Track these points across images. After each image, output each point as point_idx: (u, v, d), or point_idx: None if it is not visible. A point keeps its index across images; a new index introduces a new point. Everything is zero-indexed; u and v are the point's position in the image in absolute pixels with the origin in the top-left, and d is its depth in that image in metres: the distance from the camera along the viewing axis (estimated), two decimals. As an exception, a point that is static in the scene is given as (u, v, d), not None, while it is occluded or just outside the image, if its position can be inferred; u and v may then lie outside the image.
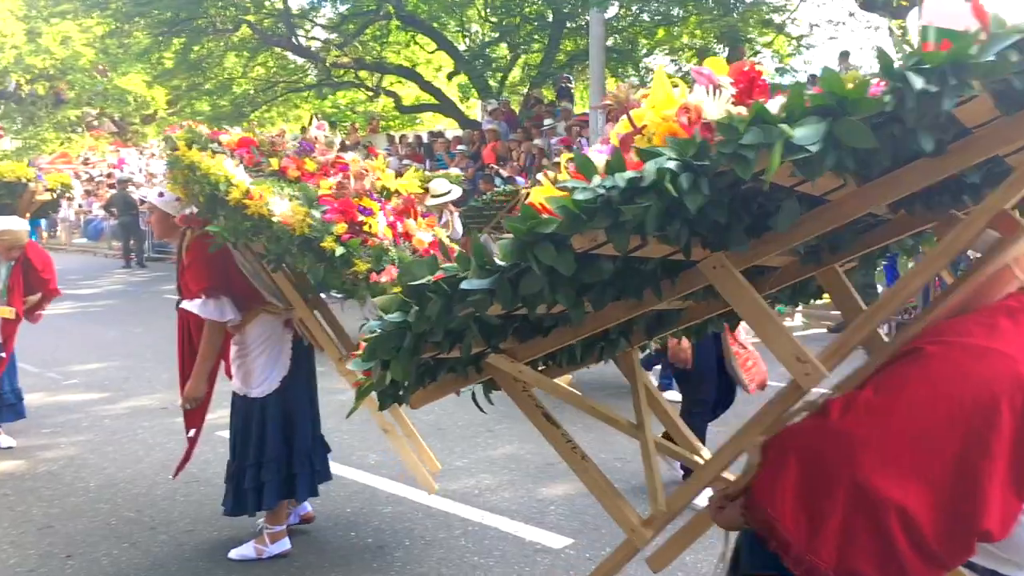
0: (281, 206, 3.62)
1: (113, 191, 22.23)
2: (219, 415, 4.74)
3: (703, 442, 4.39)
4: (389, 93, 25.00)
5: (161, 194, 4.29)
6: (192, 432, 4.30)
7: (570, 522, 4.60)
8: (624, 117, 1.82)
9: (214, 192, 3.79)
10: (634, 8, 17.63)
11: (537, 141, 16.44)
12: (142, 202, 17.22)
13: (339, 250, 3.46)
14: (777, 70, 15.27)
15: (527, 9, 21.51)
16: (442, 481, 5.20)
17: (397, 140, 20.40)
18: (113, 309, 12.49)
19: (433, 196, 8.18)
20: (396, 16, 20.70)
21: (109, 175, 25.94)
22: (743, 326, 4.64)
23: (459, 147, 18.05)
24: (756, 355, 4.95)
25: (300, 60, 23.60)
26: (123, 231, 20.58)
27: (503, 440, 6.10)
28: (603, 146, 1.88)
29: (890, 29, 13.72)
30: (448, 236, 8.83)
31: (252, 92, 23.87)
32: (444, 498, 4.92)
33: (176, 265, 4.20)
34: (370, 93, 24.95)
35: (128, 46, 22.50)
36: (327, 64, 21.74)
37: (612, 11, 18.20)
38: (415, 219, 4.02)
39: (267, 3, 21.95)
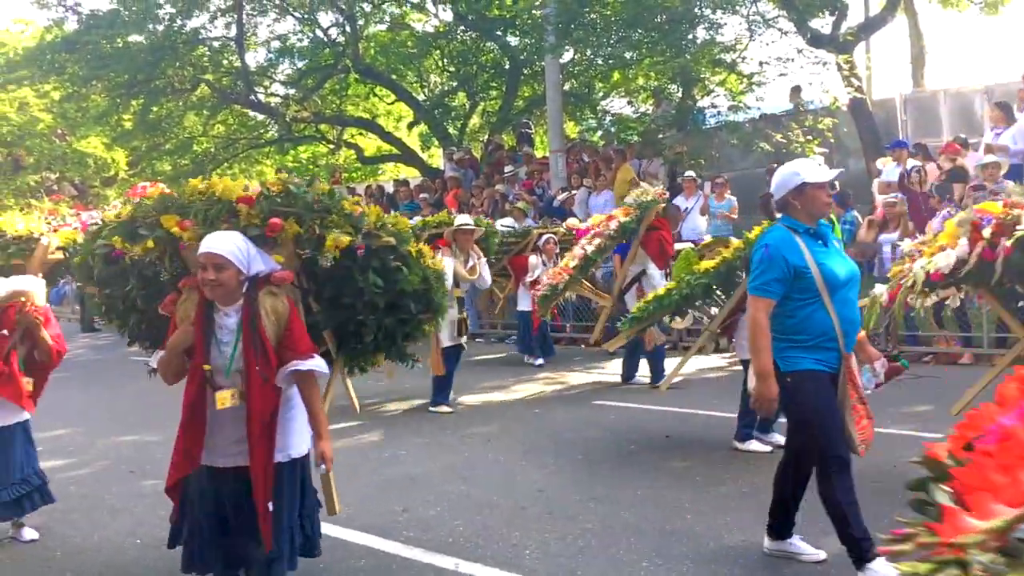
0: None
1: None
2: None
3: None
4: (351, 145, 25.12)
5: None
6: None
7: (545, 566, 4.58)
8: None
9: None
10: (588, 53, 17.91)
11: (499, 187, 16.57)
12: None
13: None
14: (731, 108, 15.51)
15: (483, 57, 21.80)
16: (414, 530, 5.16)
17: (362, 191, 20.47)
18: (77, 374, 12.32)
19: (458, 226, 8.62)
20: (354, 69, 20.88)
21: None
22: (863, 374, 4.40)
23: (422, 195, 18.15)
24: (871, 411, 4.34)
25: (260, 116, 23.66)
26: (86, 295, 20.33)
27: (475, 486, 6.07)
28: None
29: (838, 64, 14.06)
30: (473, 282, 8.90)
31: (213, 150, 23.87)
32: (417, 547, 4.88)
33: (248, 328, 3.56)
34: (331, 146, 25.06)
35: (86, 109, 22.44)
36: (287, 119, 21.81)
37: (567, 56, 18.49)
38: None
39: (224, 62, 22.06)
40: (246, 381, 3.57)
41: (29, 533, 5.33)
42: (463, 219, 8.95)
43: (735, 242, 6.63)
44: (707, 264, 6.53)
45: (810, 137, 14.09)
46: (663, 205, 9.33)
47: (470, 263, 8.69)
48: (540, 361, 11.66)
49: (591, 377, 10.60)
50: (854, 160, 14.88)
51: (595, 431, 7.60)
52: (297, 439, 3.80)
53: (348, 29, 20.91)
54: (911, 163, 11.72)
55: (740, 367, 7.06)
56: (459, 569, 4.58)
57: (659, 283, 9.27)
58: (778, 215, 4.32)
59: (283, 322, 3.66)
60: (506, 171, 17.60)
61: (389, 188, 20.50)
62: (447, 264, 8.06)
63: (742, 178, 14.93)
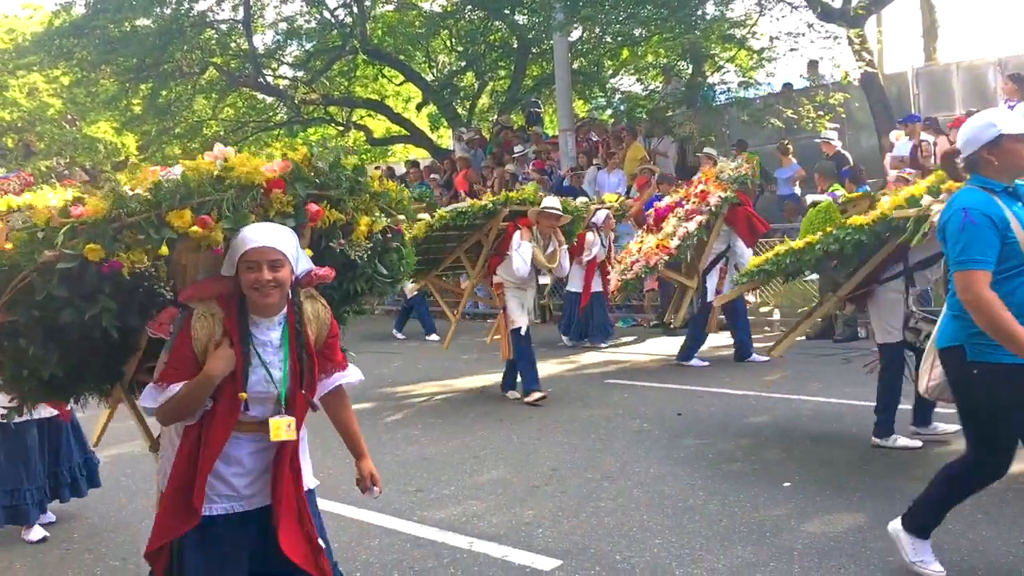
0: None
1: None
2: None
3: None
4: (360, 127, 25.08)
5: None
6: None
7: (558, 544, 4.61)
8: None
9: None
10: (597, 30, 17.80)
11: (509, 167, 16.54)
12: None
13: None
14: (741, 84, 15.42)
15: (492, 37, 21.69)
16: (429, 509, 5.20)
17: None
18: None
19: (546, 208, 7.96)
20: (362, 51, 20.82)
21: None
22: None
23: (432, 176, 18.13)
24: None
25: (269, 99, 23.64)
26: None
27: (488, 465, 6.10)
28: None
29: (849, 38, 13.93)
30: (551, 271, 8.35)
31: (222, 133, 23.83)
32: (431, 527, 4.92)
33: (297, 342, 3.02)
34: (341, 128, 25.03)
35: (95, 94, 22.45)
36: (296, 102, 21.79)
37: (575, 34, 18.39)
38: None
39: (233, 45, 22.01)
40: (289, 405, 2.99)
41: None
42: (550, 202, 8.16)
43: (885, 203, 5.49)
44: (860, 219, 5.54)
45: (821, 112, 13.99)
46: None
47: (550, 249, 8.11)
48: (604, 343, 11.20)
49: (603, 356, 10.61)
50: (866, 135, 14.78)
51: (607, 410, 7.62)
52: (310, 463, 3.28)
53: (355, 10, 20.81)
54: (922, 137, 11.64)
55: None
56: (473, 548, 4.61)
57: (745, 260, 9.07)
58: (967, 176, 3.71)
59: (325, 330, 3.13)
60: (515, 151, 17.54)
61: (399, 169, 20.48)
62: (525, 249, 7.81)
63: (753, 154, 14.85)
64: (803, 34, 14.25)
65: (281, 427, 2.97)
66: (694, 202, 8.94)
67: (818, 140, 13.35)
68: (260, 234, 2.89)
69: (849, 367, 8.53)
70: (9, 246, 2.80)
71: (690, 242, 8.89)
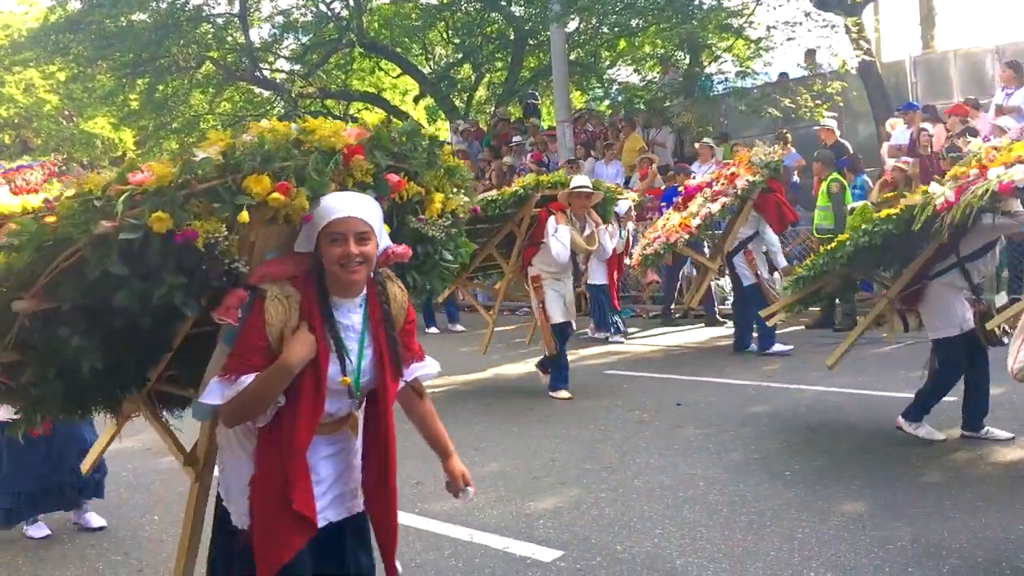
0: None
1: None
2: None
3: None
4: (357, 120, 25.02)
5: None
6: None
7: (559, 535, 4.62)
8: None
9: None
10: (593, 21, 17.79)
11: (507, 159, 16.53)
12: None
13: None
14: (738, 74, 15.40)
15: (488, 29, 21.65)
16: (429, 502, 5.21)
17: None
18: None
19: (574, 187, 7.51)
20: (359, 44, 20.79)
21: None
22: None
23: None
24: None
25: (266, 93, 23.61)
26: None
27: (488, 457, 6.11)
28: None
29: (846, 27, 13.90)
30: (592, 253, 7.97)
31: (219, 128, 23.83)
32: (432, 519, 4.93)
33: (383, 326, 2.69)
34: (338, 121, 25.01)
35: (92, 89, 22.41)
36: (293, 95, 21.77)
37: (572, 25, 18.35)
38: None
39: (229, 39, 21.98)
40: (372, 399, 2.70)
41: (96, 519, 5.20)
42: (579, 180, 7.74)
43: (915, 196, 5.36)
44: (888, 211, 5.46)
45: (819, 102, 13.97)
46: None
47: (587, 231, 7.63)
48: (620, 338, 10.93)
49: (603, 347, 10.62)
50: (863, 124, 14.77)
51: (607, 400, 7.63)
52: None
53: (352, 3, 20.79)
54: (920, 125, 11.63)
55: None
56: (474, 539, 4.62)
57: (775, 248, 9.04)
58: None
59: (403, 315, 2.77)
60: (513, 142, 17.53)
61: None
62: (563, 233, 7.36)
63: (750, 144, 14.83)
64: (800, 23, 14.24)
65: (354, 426, 2.69)
66: (722, 183, 8.82)
67: (816, 128, 13.34)
68: (346, 203, 2.56)
69: (848, 356, 8.51)
70: (52, 219, 2.40)
71: (710, 223, 8.81)
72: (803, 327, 10.54)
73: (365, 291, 2.65)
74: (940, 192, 4.87)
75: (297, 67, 22.62)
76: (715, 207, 8.71)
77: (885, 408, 6.57)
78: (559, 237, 7.33)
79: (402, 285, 2.81)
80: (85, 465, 4.20)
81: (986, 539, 4.14)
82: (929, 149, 10.89)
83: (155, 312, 2.50)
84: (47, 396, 2.78)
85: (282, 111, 23.38)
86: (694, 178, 10.79)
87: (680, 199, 9.48)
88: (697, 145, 14.10)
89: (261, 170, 2.47)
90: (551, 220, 7.41)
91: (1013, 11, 36.02)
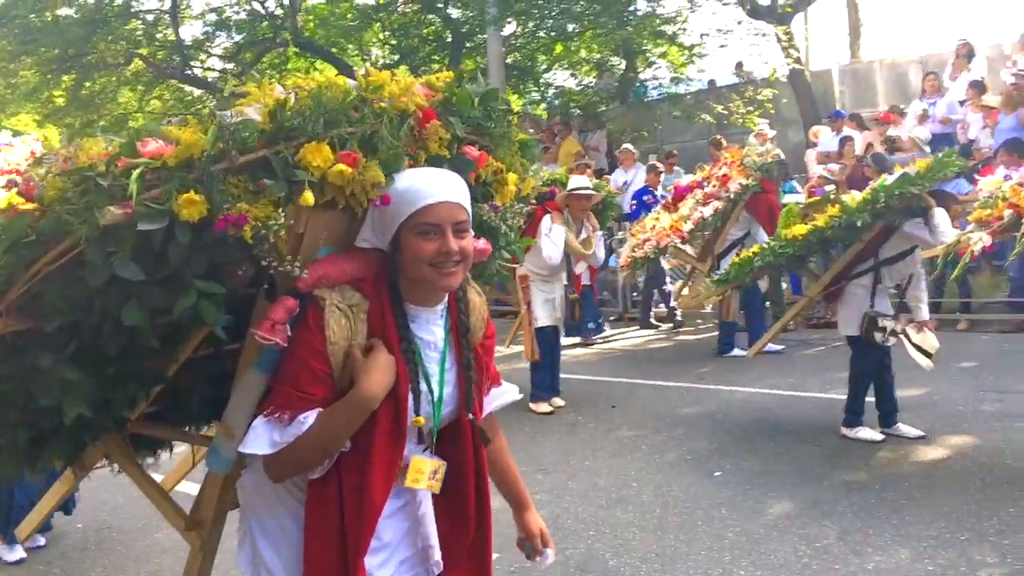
0: None
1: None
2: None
3: None
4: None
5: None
6: None
7: (493, 537, 4.60)
8: None
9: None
10: (530, 25, 17.86)
11: (444, 161, 16.48)
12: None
13: None
14: (672, 80, 15.66)
15: (425, 31, 21.58)
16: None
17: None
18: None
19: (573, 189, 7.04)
20: (293, 43, 20.53)
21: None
22: None
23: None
24: None
25: (197, 92, 23.17)
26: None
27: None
28: None
29: (777, 35, 14.21)
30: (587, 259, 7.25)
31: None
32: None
33: (462, 344, 2.09)
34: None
35: (16, 86, 21.74)
36: (225, 94, 21.22)
37: (509, 29, 18.40)
38: None
39: (159, 36, 21.52)
40: (450, 438, 2.07)
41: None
42: (578, 181, 7.24)
43: (833, 209, 5.59)
44: (799, 230, 5.69)
45: (751, 108, 14.26)
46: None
47: (583, 235, 7.12)
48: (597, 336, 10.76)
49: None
50: (793, 130, 15.10)
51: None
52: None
53: (286, 1, 20.53)
54: (845, 132, 11.95)
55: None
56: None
57: None
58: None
59: (482, 327, 2.17)
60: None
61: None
62: (557, 233, 6.84)
63: (684, 149, 15.07)
64: (732, 31, 14.53)
65: (423, 470, 2.02)
66: (714, 185, 8.63)
67: (752, 135, 13.59)
68: (438, 184, 1.93)
69: (778, 359, 8.70)
70: (29, 206, 1.79)
71: (702, 227, 8.70)
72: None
73: (446, 298, 2.06)
74: (978, 238, 4.83)
75: (230, 66, 22.24)
76: (707, 211, 8.53)
77: (812, 408, 6.74)
78: (553, 237, 6.84)
79: (479, 289, 2.21)
80: (24, 530, 3.45)
81: (909, 536, 4.26)
82: (854, 156, 11.19)
83: (159, 331, 1.91)
84: (3, 450, 2.15)
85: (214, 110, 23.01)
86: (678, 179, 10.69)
87: (670, 199, 9.28)
88: (618, 152, 14.26)
89: (321, 136, 1.85)
90: (546, 218, 6.90)
91: (936, 23, 37.21)
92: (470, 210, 1.98)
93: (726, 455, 5.79)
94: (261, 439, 1.86)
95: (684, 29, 15.24)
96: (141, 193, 1.71)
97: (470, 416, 2.06)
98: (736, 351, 9.10)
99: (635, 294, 12.24)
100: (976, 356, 8.22)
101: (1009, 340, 8.98)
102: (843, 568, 3.97)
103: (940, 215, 5.31)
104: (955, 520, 4.39)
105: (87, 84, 21.26)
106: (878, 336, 5.69)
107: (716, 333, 9.73)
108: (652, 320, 11.67)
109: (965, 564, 3.91)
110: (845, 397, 5.98)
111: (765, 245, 6.03)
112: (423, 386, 1.97)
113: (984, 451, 5.45)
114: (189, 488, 2.99)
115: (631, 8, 15.10)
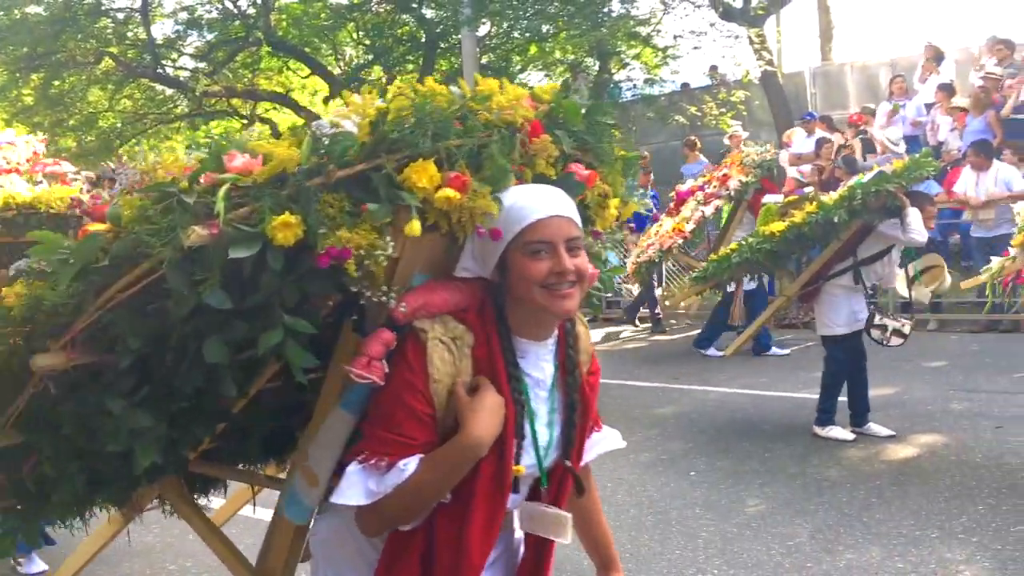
0: None
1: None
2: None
3: None
4: (265, 120, 24.58)
5: None
6: None
7: None
8: None
9: None
10: (505, 26, 17.88)
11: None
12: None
13: None
14: (646, 81, 15.73)
15: (400, 30, 21.53)
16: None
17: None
18: None
19: None
20: (266, 42, 20.40)
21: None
22: None
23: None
24: None
25: (169, 91, 22.97)
26: (-12, 277, 19.55)
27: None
28: None
29: (749, 38, 14.31)
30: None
31: (120, 126, 23.10)
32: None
33: (568, 383, 1.88)
34: (244, 121, 24.51)
35: (-17, 84, 21.48)
36: (197, 94, 21.23)
37: (484, 30, 18.41)
38: None
39: (130, 34, 21.31)
40: (554, 485, 1.88)
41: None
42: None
43: (811, 206, 5.73)
44: (776, 227, 5.78)
45: (724, 110, 14.36)
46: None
47: None
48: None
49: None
50: (766, 132, 15.21)
51: (517, 404, 7.64)
52: None
53: (259, 0, 20.40)
54: (820, 134, 12.06)
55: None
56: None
57: None
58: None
59: (587, 363, 1.97)
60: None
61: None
62: None
63: (657, 151, 15.15)
64: (705, 33, 14.62)
65: (565, 523, 1.87)
66: (715, 186, 8.70)
67: (725, 137, 13.69)
68: (546, 199, 1.72)
69: (751, 359, 8.77)
70: (102, 227, 1.63)
71: (704, 226, 8.70)
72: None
73: (556, 331, 1.84)
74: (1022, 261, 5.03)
75: (202, 65, 22.06)
76: (708, 209, 8.61)
77: (785, 408, 6.79)
78: None
79: (584, 321, 1.97)
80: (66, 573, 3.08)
81: (879, 534, 4.30)
82: (831, 158, 11.31)
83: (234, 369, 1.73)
84: (58, 496, 1.93)
85: (186, 110, 22.84)
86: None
87: (672, 204, 9.35)
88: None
89: (427, 152, 1.61)
90: None
91: (905, 27, 37.66)
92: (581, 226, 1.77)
93: (700, 455, 5.82)
94: (355, 488, 1.64)
95: (658, 31, 15.33)
96: (228, 212, 1.52)
97: (566, 463, 1.85)
98: (712, 351, 9.15)
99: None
100: (945, 356, 8.32)
101: (978, 340, 9.10)
102: (815, 566, 4.00)
103: (913, 215, 5.37)
104: (925, 518, 4.44)
105: (56, 83, 21.02)
106: (875, 333, 5.75)
107: (691, 333, 9.78)
108: (637, 321, 11.78)
109: (935, 561, 3.96)
110: (817, 397, 6.04)
111: (742, 242, 6.06)
112: (527, 429, 1.75)
113: (953, 450, 5.52)
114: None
115: (605, 10, 15.16)
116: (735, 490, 5.08)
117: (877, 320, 5.77)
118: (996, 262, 5.19)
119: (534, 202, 1.70)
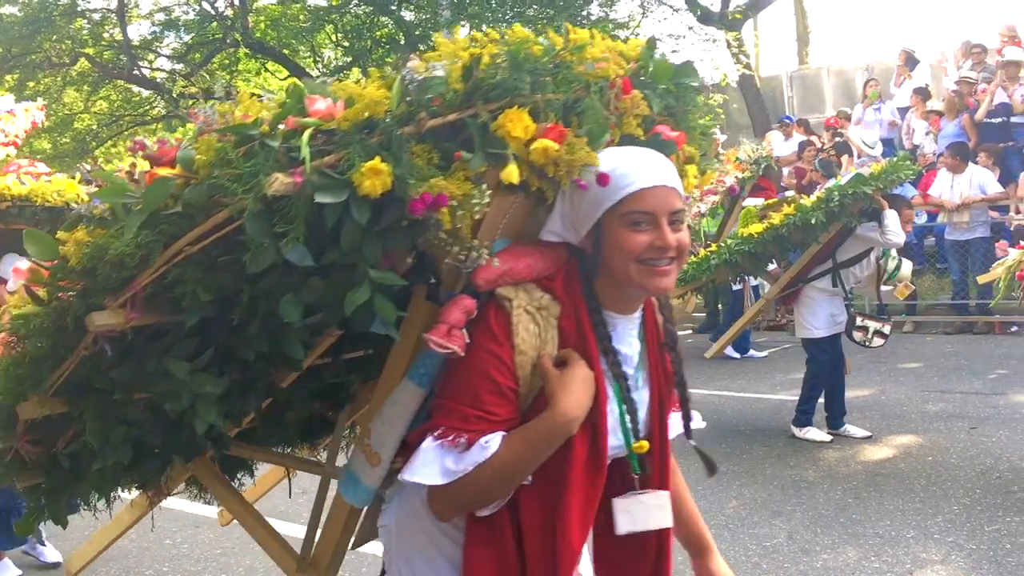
0: None
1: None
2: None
3: None
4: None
5: None
6: None
7: None
8: None
9: None
10: (484, 28, 17.93)
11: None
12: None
13: None
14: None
15: (378, 32, 21.50)
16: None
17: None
18: None
19: None
20: (244, 44, 20.32)
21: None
22: None
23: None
24: None
25: (145, 92, 22.83)
26: None
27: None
28: None
29: (727, 41, 14.40)
30: None
31: (95, 127, 22.92)
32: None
33: (659, 358, 1.85)
34: (222, 123, 24.38)
35: (-44, 85, 21.26)
36: (174, 95, 21.11)
37: (463, 32, 18.43)
38: None
39: (106, 35, 21.16)
40: (644, 468, 1.79)
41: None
42: None
43: (788, 208, 5.74)
44: (755, 228, 5.78)
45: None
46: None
47: None
48: None
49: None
50: (744, 136, 15.29)
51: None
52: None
53: (237, 2, 20.31)
54: (799, 138, 12.15)
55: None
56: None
57: None
58: None
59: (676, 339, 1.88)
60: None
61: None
62: None
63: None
64: (684, 36, 14.70)
65: (664, 503, 1.81)
66: (711, 183, 8.75)
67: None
68: (650, 166, 1.58)
69: (728, 362, 8.80)
70: (170, 171, 1.46)
71: (698, 224, 8.68)
72: (689, 331, 10.82)
73: (642, 307, 1.73)
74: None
75: (179, 66, 21.95)
76: (705, 206, 8.61)
77: (762, 410, 6.83)
78: None
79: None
80: (76, 564, 2.90)
81: (856, 534, 4.33)
82: (808, 162, 11.39)
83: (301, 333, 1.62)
84: (100, 470, 1.80)
85: (162, 111, 22.68)
86: None
87: None
88: None
89: (524, 102, 1.48)
90: None
91: (880, 32, 38.04)
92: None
93: (678, 457, 5.81)
94: (431, 466, 1.50)
95: (636, 34, 15.38)
96: (313, 159, 1.36)
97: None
98: (752, 353, 9.11)
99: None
100: (921, 357, 8.40)
101: (952, 341, 9.19)
102: (793, 567, 4.02)
103: (891, 217, 5.42)
104: (900, 518, 4.47)
105: (31, 83, 20.82)
106: (858, 335, 5.78)
107: (680, 335, 9.77)
108: None
109: (911, 561, 3.99)
110: (794, 399, 6.07)
111: (722, 244, 6.09)
112: (616, 409, 1.65)
113: (928, 450, 5.56)
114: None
115: (584, 13, 15.22)
116: (713, 492, 5.09)
117: (859, 322, 5.81)
118: (1013, 255, 5.18)
119: (639, 168, 1.56)
